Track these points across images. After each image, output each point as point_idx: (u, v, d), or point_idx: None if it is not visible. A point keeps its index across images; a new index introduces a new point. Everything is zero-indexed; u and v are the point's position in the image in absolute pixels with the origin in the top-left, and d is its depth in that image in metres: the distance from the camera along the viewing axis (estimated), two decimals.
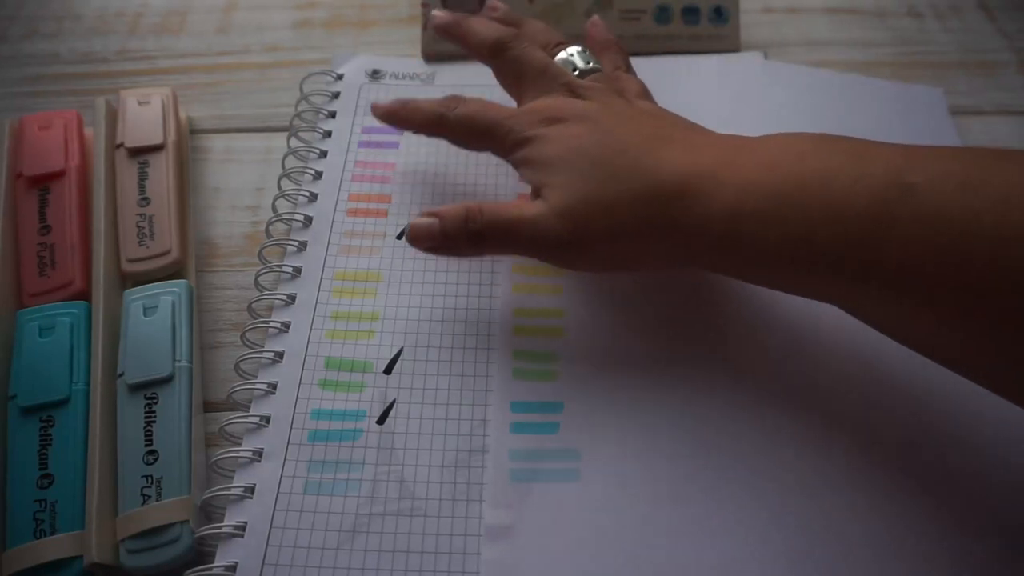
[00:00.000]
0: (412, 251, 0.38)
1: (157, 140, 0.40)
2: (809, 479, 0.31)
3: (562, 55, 0.37)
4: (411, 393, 0.34)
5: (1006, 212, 0.24)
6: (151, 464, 0.31)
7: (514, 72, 0.37)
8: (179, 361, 0.33)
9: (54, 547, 0.29)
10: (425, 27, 0.46)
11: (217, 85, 0.46)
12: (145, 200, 0.38)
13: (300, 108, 0.44)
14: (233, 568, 0.29)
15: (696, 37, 0.46)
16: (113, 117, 0.41)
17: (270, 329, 0.36)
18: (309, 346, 0.35)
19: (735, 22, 0.46)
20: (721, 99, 0.44)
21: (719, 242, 0.30)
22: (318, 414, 0.33)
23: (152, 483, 0.31)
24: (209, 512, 0.31)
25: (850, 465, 0.31)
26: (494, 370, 0.34)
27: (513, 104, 0.38)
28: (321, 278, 0.37)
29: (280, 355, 0.35)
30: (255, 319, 0.36)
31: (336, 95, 0.44)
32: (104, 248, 0.36)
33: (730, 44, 0.46)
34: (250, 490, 0.31)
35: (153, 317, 0.34)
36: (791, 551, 0.29)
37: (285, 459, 0.32)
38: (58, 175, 0.39)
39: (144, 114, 0.41)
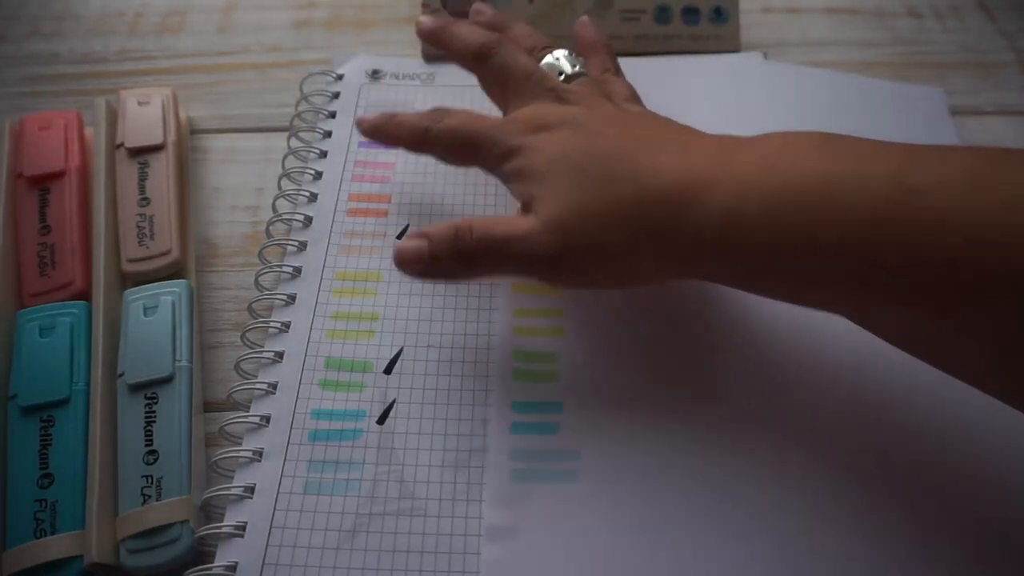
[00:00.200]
0: None
1: (157, 140, 0.40)
2: (810, 476, 0.31)
3: (548, 59, 0.37)
4: (411, 393, 0.34)
5: (1012, 215, 0.23)
6: (151, 464, 0.31)
7: (499, 79, 0.36)
8: (179, 361, 0.33)
9: (54, 547, 0.29)
10: None
11: (217, 85, 0.46)
12: (145, 200, 0.38)
13: (300, 108, 0.44)
14: (233, 568, 0.29)
15: (696, 37, 0.46)
16: (113, 117, 0.41)
17: (270, 329, 0.36)
18: (309, 346, 0.35)
19: (735, 22, 0.46)
20: (721, 99, 0.44)
21: (716, 249, 0.28)
22: (318, 414, 0.33)
23: (152, 483, 0.31)
24: (209, 512, 0.31)
25: (851, 466, 0.31)
26: (494, 370, 0.34)
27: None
28: (321, 278, 0.37)
29: (280, 355, 0.35)
30: (255, 319, 0.36)
31: (336, 95, 0.44)
32: (104, 248, 0.36)
33: (730, 44, 0.46)
34: (250, 490, 0.31)
35: (153, 317, 0.35)
36: (793, 549, 0.29)
37: (285, 459, 0.32)
38: (58, 175, 0.39)
39: (144, 114, 0.41)
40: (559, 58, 0.37)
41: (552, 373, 0.34)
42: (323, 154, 0.42)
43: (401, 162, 0.42)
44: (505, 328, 0.35)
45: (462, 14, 0.46)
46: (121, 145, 0.40)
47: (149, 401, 0.32)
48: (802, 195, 0.27)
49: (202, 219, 0.40)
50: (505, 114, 0.36)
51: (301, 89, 0.45)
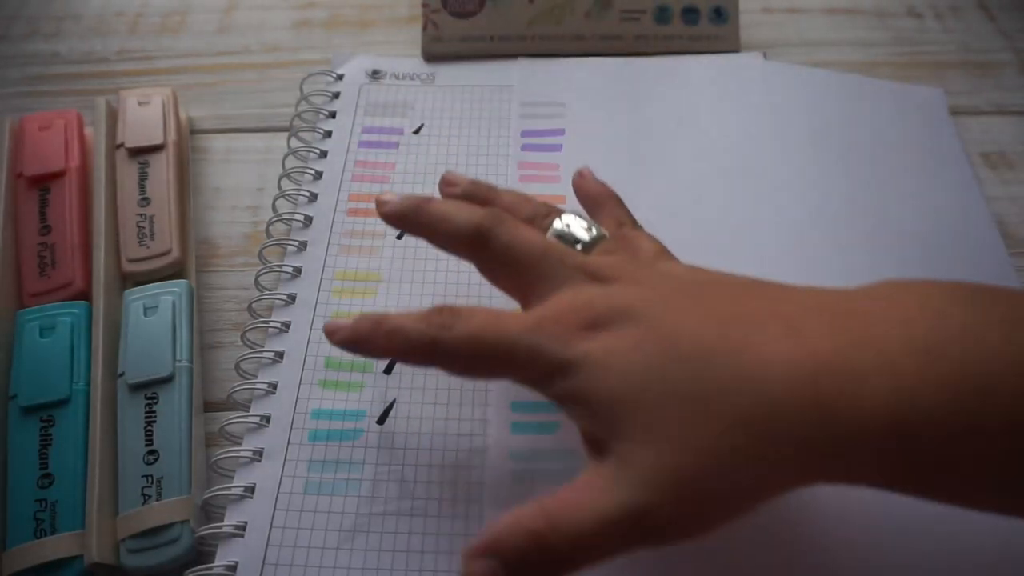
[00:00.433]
0: (412, 251, 0.38)
1: (157, 140, 0.40)
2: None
3: (556, 226, 0.30)
4: (411, 393, 0.34)
5: None
6: (151, 464, 0.31)
7: (507, 265, 0.29)
8: (179, 361, 0.33)
9: (54, 547, 0.29)
10: (425, 27, 0.46)
11: (217, 85, 0.46)
12: (145, 200, 0.38)
13: (300, 108, 0.44)
14: (233, 568, 0.29)
15: (696, 37, 0.46)
16: (113, 117, 0.41)
17: (270, 329, 0.36)
18: (309, 346, 0.35)
19: (735, 22, 0.46)
20: (721, 99, 0.44)
21: (877, 458, 0.22)
22: (318, 414, 0.33)
23: (152, 483, 0.31)
24: (209, 512, 0.31)
25: None
26: None
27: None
28: (321, 278, 0.37)
29: (280, 355, 0.35)
30: (255, 319, 0.36)
31: (336, 95, 0.45)
32: (104, 248, 0.36)
33: (730, 44, 0.46)
34: (250, 490, 0.31)
35: (153, 317, 0.35)
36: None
37: (285, 459, 0.32)
38: (58, 175, 0.39)
39: (144, 114, 0.41)
40: (569, 224, 0.30)
41: None
42: (323, 154, 0.42)
43: (401, 162, 0.42)
44: None
45: (462, 14, 0.46)
46: (121, 145, 0.40)
47: (149, 401, 0.32)
48: (988, 381, 0.21)
49: (202, 219, 0.40)
50: (525, 306, 0.29)
51: (301, 89, 0.45)
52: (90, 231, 0.37)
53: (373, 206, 0.39)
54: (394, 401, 0.34)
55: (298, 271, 0.37)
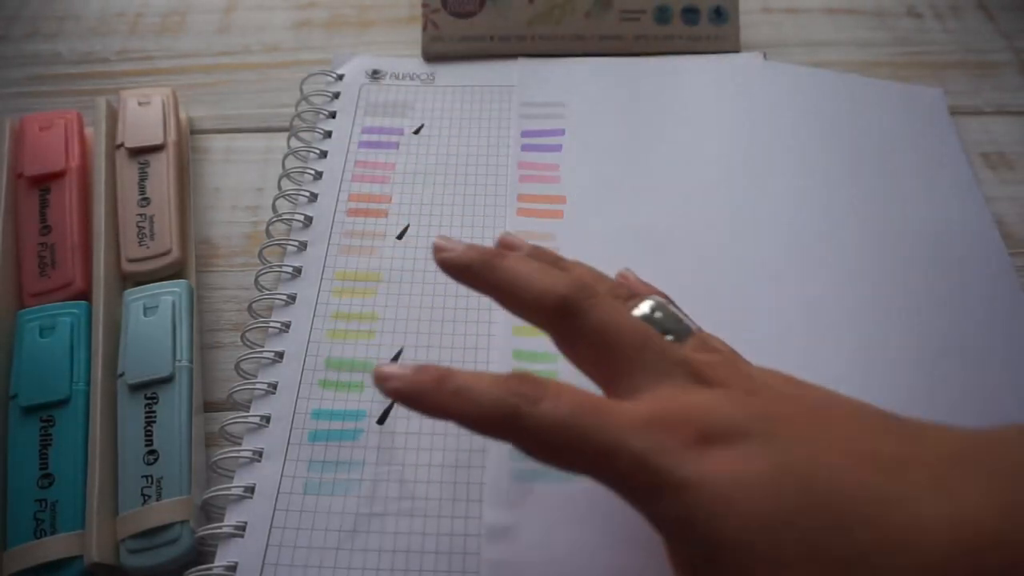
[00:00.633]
0: (412, 251, 0.38)
1: (157, 140, 0.40)
2: None
3: (644, 310, 0.27)
4: None
5: None
6: (151, 464, 0.31)
7: (596, 346, 0.25)
8: (179, 361, 0.33)
9: (54, 547, 0.29)
10: (425, 27, 0.46)
11: (217, 85, 0.46)
12: (145, 200, 0.38)
13: (300, 108, 0.44)
14: (233, 568, 0.29)
15: (696, 37, 0.46)
16: (113, 117, 0.41)
17: (270, 329, 0.36)
18: (309, 346, 0.35)
19: (735, 22, 0.46)
20: (721, 99, 0.44)
21: None
22: (318, 414, 0.33)
23: (152, 483, 0.31)
24: (209, 512, 0.31)
25: None
26: (494, 370, 0.34)
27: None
28: (321, 278, 0.37)
29: (280, 355, 0.35)
30: (255, 319, 0.36)
31: (336, 95, 0.45)
32: (104, 248, 0.36)
33: (730, 44, 0.46)
34: (250, 490, 0.31)
35: (153, 317, 0.35)
36: None
37: (285, 459, 0.32)
38: (58, 175, 0.39)
39: (144, 114, 0.41)
40: (660, 311, 0.27)
41: (552, 373, 0.34)
42: (323, 154, 0.42)
43: (401, 162, 0.42)
44: (505, 328, 0.35)
45: (462, 14, 0.46)
46: (121, 145, 0.40)
47: (149, 401, 0.32)
48: None
49: (202, 219, 0.40)
50: (610, 393, 0.25)
51: (301, 89, 0.45)
52: (90, 231, 0.37)
53: (373, 206, 0.40)
54: (394, 401, 0.34)
55: (298, 271, 0.37)
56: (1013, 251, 0.38)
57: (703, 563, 0.21)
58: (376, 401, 0.33)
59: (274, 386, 0.34)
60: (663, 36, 0.46)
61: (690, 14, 0.46)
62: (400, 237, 0.39)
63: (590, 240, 0.38)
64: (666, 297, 0.29)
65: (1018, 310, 0.35)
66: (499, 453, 0.32)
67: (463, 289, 0.36)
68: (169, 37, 0.49)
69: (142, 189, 0.39)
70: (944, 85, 0.45)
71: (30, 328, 0.34)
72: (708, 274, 0.37)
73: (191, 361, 0.34)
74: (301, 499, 0.31)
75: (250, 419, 0.33)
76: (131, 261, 0.37)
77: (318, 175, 0.41)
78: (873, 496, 0.20)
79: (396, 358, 0.35)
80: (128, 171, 0.39)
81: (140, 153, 0.40)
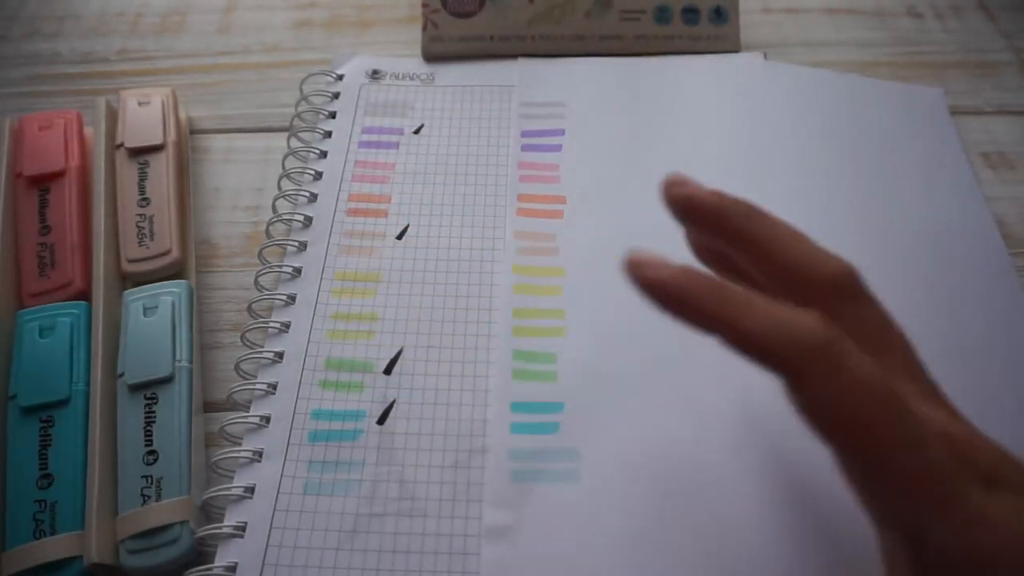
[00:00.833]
0: (412, 251, 0.38)
1: (157, 140, 0.40)
2: (810, 472, 0.31)
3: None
4: (411, 393, 0.34)
5: None
6: (151, 464, 0.31)
7: (848, 404, 0.21)
8: (179, 361, 0.33)
9: (54, 547, 0.29)
10: (425, 27, 0.46)
11: (217, 85, 0.46)
12: (145, 200, 0.38)
13: (300, 108, 0.44)
14: (233, 568, 0.29)
15: (696, 37, 0.46)
16: (113, 117, 0.41)
17: (270, 329, 0.36)
18: (309, 346, 0.35)
19: (735, 22, 0.46)
20: (721, 99, 0.44)
21: None
22: (318, 414, 0.33)
23: (152, 483, 0.31)
24: (209, 512, 0.31)
25: None
26: (494, 370, 0.34)
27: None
28: (321, 278, 0.37)
29: (280, 355, 0.35)
30: (255, 319, 0.36)
31: (336, 95, 0.44)
32: (104, 248, 0.36)
33: (730, 44, 0.46)
34: (250, 490, 0.31)
35: (153, 317, 0.34)
36: (796, 545, 0.29)
37: (285, 459, 0.32)
38: (58, 175, 0.39)
39: (144, 114, 0.41)
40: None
41: (552, 373, 0.34)
42: (323, 154, 0.42)
43: (401, 162, 0.42)
44: (505, 328, 0.35)
45: (462, 14, 0.46)
46: (121, 145, 0.40)
47: (149, 401, 0.32)
48: None
49: (202, 219, 0.40)
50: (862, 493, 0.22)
51: (301, 89, 0.45)
52: (90, 231, 0.37)
53: (373, 206, 0.40)
54: (394, 401, 0.34)
55: (298, 271, 0.37)
56: (1013, 251, 0.38)
57: None
58: (376, 401, 0.34)
59: (274, 386, 0.34)
60: (663, 36, 0.46)
61: (690, 14, 0.46)
62: (400, 237, 0.39)
63: (590, 240, 0.38)
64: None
65: (1018, 310, 0.35)
66: (499, 453, 0.32)
67: (463, 289, 0.37)
68: (169, 37, 0.49)
69: (142, 189, 0.39)
70: (944, 85, 0.45)
71: (30, 328, 0.34)
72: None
73: (191, 361, 0.34)
74: (301, 499, 0.31)
75: (250, 419, 0.33)
76: (131, 261, 0.37)
77: (318, 175, 0.41)
78: None
79: (395, 359, 0.35)
80: (128, 171, 0.39)
81: (140, 153, 0.40)
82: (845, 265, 0.23)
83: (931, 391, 0.23)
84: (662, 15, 0.46)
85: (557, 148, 0.42)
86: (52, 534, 0.30)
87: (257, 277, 0.37)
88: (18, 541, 0.30)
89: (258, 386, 0.34)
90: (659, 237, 0.38)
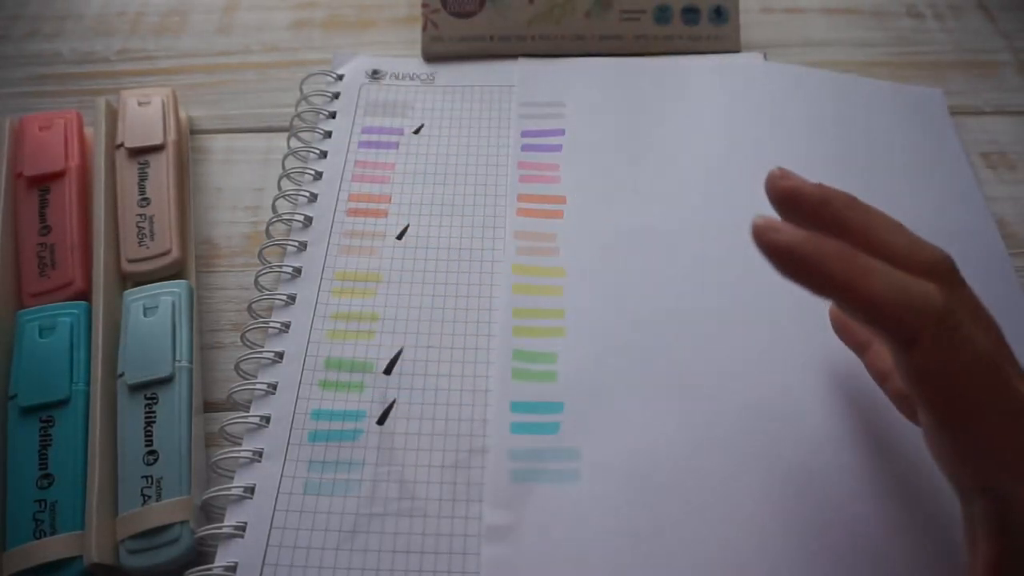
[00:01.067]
0: (412, 251, 0.38)
1: (157, 140, 0.40)
2: (809, 474, 0.31)
3: None
4: (411, 393, 0.34)
5: None
6: (151, 464, 0.31)
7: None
8: (179, 361, 0.33)
9: (54, 547, 0.29)
10: (425, 27, 0.46)
11: (217, 85, 0.46)
12: (145, 200, 0.38)
13: (300, 108, 0.44)
14: (233, 568, 0.29)
15: (696, 37, 0.46)
16: (113, 117, 0.41)
17: (270, 329, 0.36)
18: (309, 346, 0.35)
19: (735, 22, 0.46)
20: (721, 99, 0.44)
21: None
22: (318, 414, 0.33)
23: (152, 483, 0.31)
24: (209, 512, 0.31)
25: (846, 463, 0.31)
26: (494, 370, 0.34)
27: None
28: (321, 278, 0.37)
29: (280, 355, 0.35)
30: (255, 319, 0.36)
31: (336, 95, 0.45)
32: (104, 248, 0.36)
33: (730, 44, 0.46)
34: (250, 490, 0.31)
35: (153, 317, 0.35)
36: (795, 547, 0.29)
37: (285, 459, 0.32)
38: (58, 175, 0.39)
39: (144, 114, 0.41)
40: None
41: (552, 373, 0.34)
42: (323, 154, 0.42)
43: (401, 162, 0.42)
44: (505, 328, 0.35)
45: (462, 14, 0.46)
46: (121, 145, 0.40)
47: (149, 401, 0.32)
48: None
49: (202, 219, 0.40)
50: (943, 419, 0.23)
51: (301, 89, 0.45)
52: (90, 231, 0.37)
53: (373, 206, 0.40)
54: (394, 401, 0.34)
55: (298, 271, 0.37)
56: (1013, 251, 0.38)
57: None
58: (376, 401, 0.34)
59: (274, 386, 0.34)
60: (663, 36, 0.46)
61: (690, 14, 0.46)
62: (400, 237, 0.39)
63: (590, 240, 0.38)
64: None
65: (1018, 310, 0.35)
66: (499, 453, 0.32)
67: (463, 289, 0.37)
68: (169, 37, 0.49)
69: (142, 189, 0.39)
70: (944, 85, 0.45)
71: (30, 328, 0.34)
72: (707, 273, 0.37)
73: (191, 361, 0.34)
74: (301, 499, 0.31)
75: (250, 419, 0.33)
76: (131, 261, 0.37)
77: (318, 175, 0.41)
78: None
79: (395, 359, 0.35)
80: (128, 171, 0.39)
81: (140, 153, 0.40)
82: (943, 253, 0.24)
83: (1021, 374, 0.24)
84: (662, 15, 0.46)
85: (557, 148, 0.42)
86: (52, 534, 0.30)
87: (257, 277, 0.37)
88: (18, 541, 0.30)
89: (258, 386, 0.34)
90: (658, 236, 0.38)
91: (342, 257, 0.38)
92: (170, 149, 0.40)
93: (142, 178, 0.39)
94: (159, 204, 0.38)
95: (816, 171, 0.40)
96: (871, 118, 0.43)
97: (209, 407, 0.34)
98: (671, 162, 0.41)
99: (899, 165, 0.41)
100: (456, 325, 0.36)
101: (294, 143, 0.42)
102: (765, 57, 0.46)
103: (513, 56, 0.46)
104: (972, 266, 0.37)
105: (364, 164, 0.42)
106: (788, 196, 0.26)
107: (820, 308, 0.33)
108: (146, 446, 0.31)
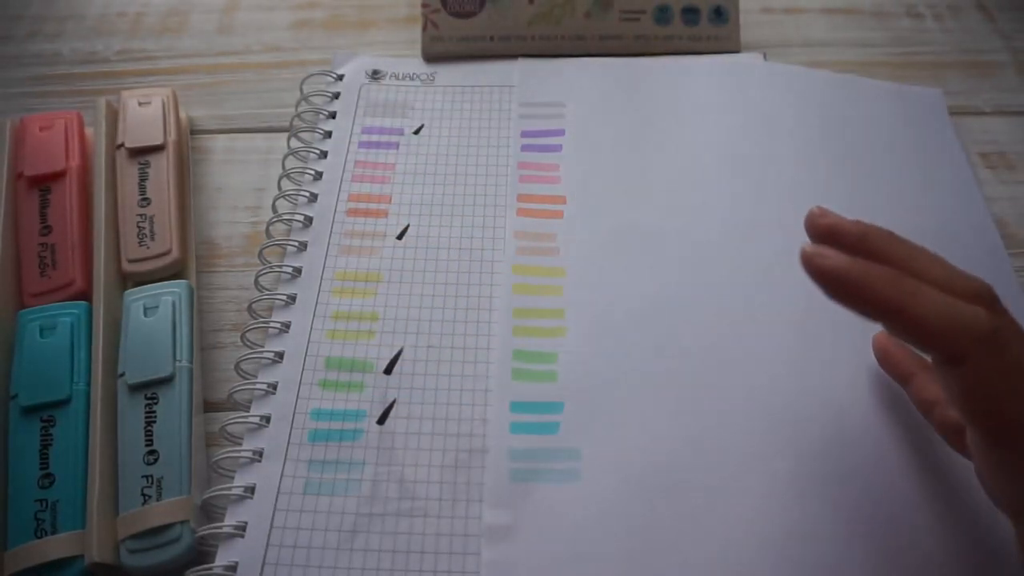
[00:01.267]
0: (412, 251, 0.38)
1: (158, 140, 0.40)
2: (808, 475, 0.31)
3: None
4: (411, 393, 0.34)
5: None
6: (151, 464, 0.31)
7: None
8: (179, 361, 0.33)
9: (55, 547, 0.29)
10: (425, 27, 0.46)
11: (218, 85, 0.46)
12: (146, 200, 0.38)
13: (300, 108, 0.44)
14: (233, 568, 0.29)
15: (696, 37, 0.46)
16: (114, 117, 0.41)
17: (270, 329, 0.36)
18: (309, 346, 0.35)
19: (735, 22, 0.46)
20: (721, 99, 0.44)
21: None
22: (318, 414, 0.33)
23: (152, 483, 0.31)
24: (209, 512, 0.31)
25: (847, 465, 0.31)
26: (494, 370, 0.34)
27: None
28: (321, 278, 0.37)
29: (280, 355, 0.35)
30: (255, 319, 0.36)
31: (336, 95, 0.45)
32: (105, 248, 0.36)
33: (730, 44, 0.46)
34: (250, 490, 0.31)
35: (154, 317, 0.35)
36: (792, 546, 0.29)
37: (285, 459, 0.32)
38: (59, 175, 0.39)
39: (145, 114, 0.41)
40: None
41: (552, 373, 0.34)
42: (323, 154, 0.42)
43: (401, 162, 0.42)
44: (505, 328, 0.35)
45: (462, 14, 0.46)
46: (122, 145, 0.40)
47: (149, 401, 0.32)
48: None
49: (202, 219, 0.40)
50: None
51: (301, 89, 0.45)
52: (90, 231, 0.37)
53: (373, 206, 0.40)
54: (394, 401, 0.34)
55: (298, 271, 0.37)
56: (1013, 251, 0.38)
57: None
58: (376, 401, 0.34)
59: (274, 386, 0.34)
60: (663, 36, 0.46)
61: (690, 14, 0.46)
62: (400, 237, 0.39)
63: (590, 240, 0.38)
64: None
65: (1018, 310, 0.35)
66: (499, 453, 0.32)
67: (463, 289, 0.37)
68: (170, 37, 0.49)
69: (142, 189, 0.39)
70: (943, 85, 0.45)
71: (30, 328, 0.34)
72: (707, 273, 0.37)
73: (191, 361, 0.34)
74: (301, 499, 0.31)
75: (250, 419, 0.33)
76: (131, 261, 0.37)
77: (318, 175, 0.41)
78: None
79: (395, 359, 0.35)
80: (128, 171, 0.39)
81: (140, 153, 0.40)
82: (983, 281, 0.25)
83: None
84: (662, 15, 0.46)
85: (557, 148, 0.42)
86: (53, 533, 0.30)
87: (257, 277, 0.37)
88: (19, 540, 0.30)
89: (258, 386, 0.34)
90: (658, 236, 0.38)
91: (342, 257, 0.38)
92: (170, 149, 0.40)
93: (142, 178, 0.39)
94: (159, 204, 0.38)
95: (815, 171, 0.41)
96: (871, 118, 0.43)
97: (209, 407, 0.34)
98: (671, 162, 0.41)
99: (899, 165, 0.41)
100: (456, 325, 0.36)
101: (294, 143, 0.42)
102: (765, 57, 0.46)
103: (513, 56, 0.46)
104: (972, 266, 0.37)
105: (364, 164, 0.42)
106: (828, 233, 0.26)
107: (819, 308, 0.33)
108: (146, 446, 0.31)
